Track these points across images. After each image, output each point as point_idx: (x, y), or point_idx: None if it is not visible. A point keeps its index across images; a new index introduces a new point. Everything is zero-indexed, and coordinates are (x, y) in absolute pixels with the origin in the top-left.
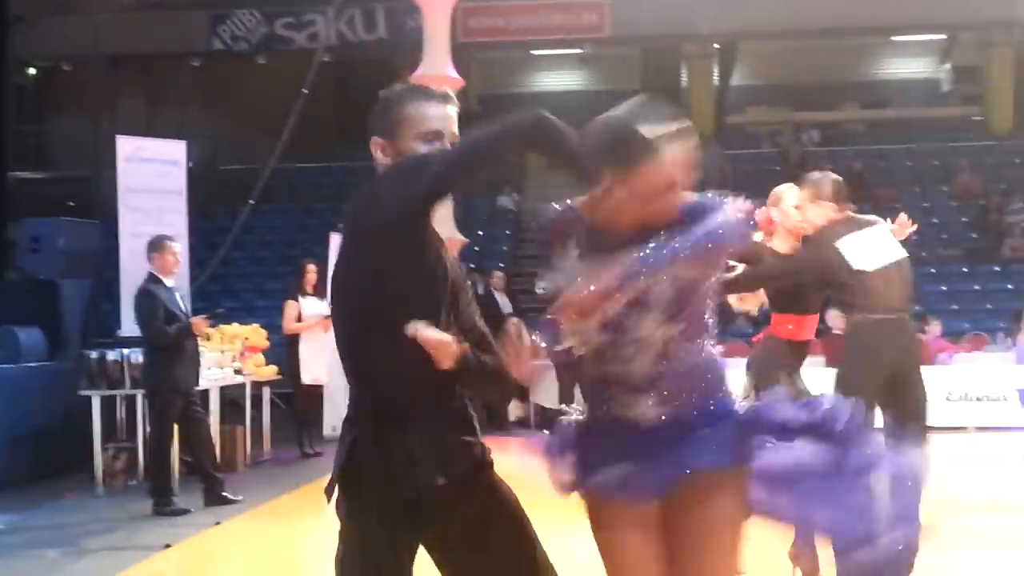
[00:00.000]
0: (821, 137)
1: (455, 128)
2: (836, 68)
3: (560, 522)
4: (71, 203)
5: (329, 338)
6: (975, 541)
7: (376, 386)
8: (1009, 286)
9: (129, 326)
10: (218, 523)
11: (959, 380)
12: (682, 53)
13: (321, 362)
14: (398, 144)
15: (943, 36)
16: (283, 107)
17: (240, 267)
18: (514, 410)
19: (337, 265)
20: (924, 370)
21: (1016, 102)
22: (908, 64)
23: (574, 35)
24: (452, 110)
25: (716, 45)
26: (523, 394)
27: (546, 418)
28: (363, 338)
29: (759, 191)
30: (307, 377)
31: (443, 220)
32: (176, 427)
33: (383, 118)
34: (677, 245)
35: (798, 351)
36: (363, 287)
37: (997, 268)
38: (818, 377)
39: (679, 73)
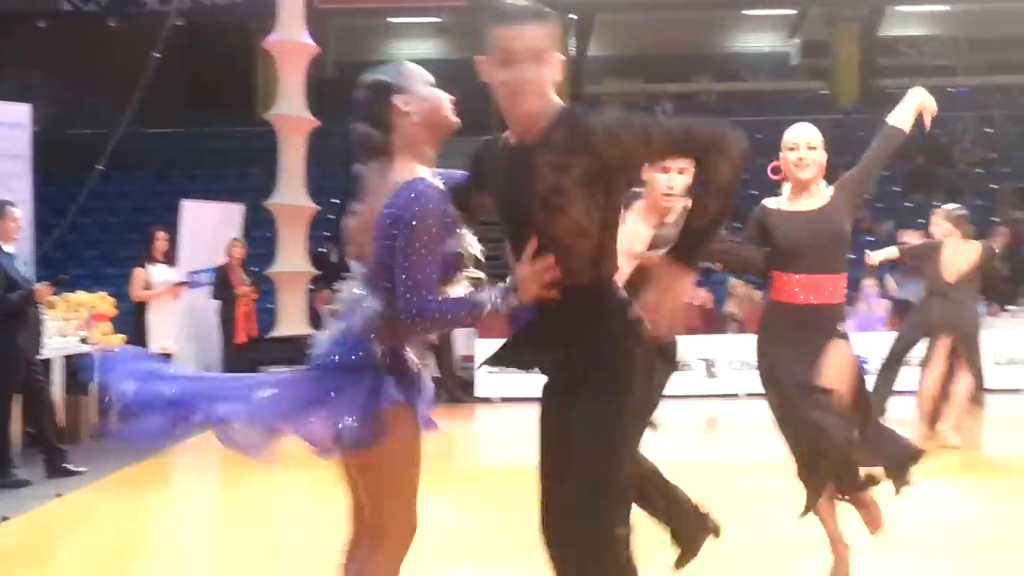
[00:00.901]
0: (674, 109)
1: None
2: (690, 41)
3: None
4: None
5: (178, 306)
6: None
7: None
8: (851, 256)
9: None
10: (59, 495)
11: None
12: None
13: (169, 330)
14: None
15: (793, 11)
16: (134, 71)
17: (89, 234)
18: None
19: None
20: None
21: (862, 76)
22: (759, 38)
23: (432, 2)
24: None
25: (573, 16)
26: None
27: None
28: None
29: None
30: (155, 346)
31: (294, 188)
32: (19, 397)
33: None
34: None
35: None
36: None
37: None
38: None
39: None
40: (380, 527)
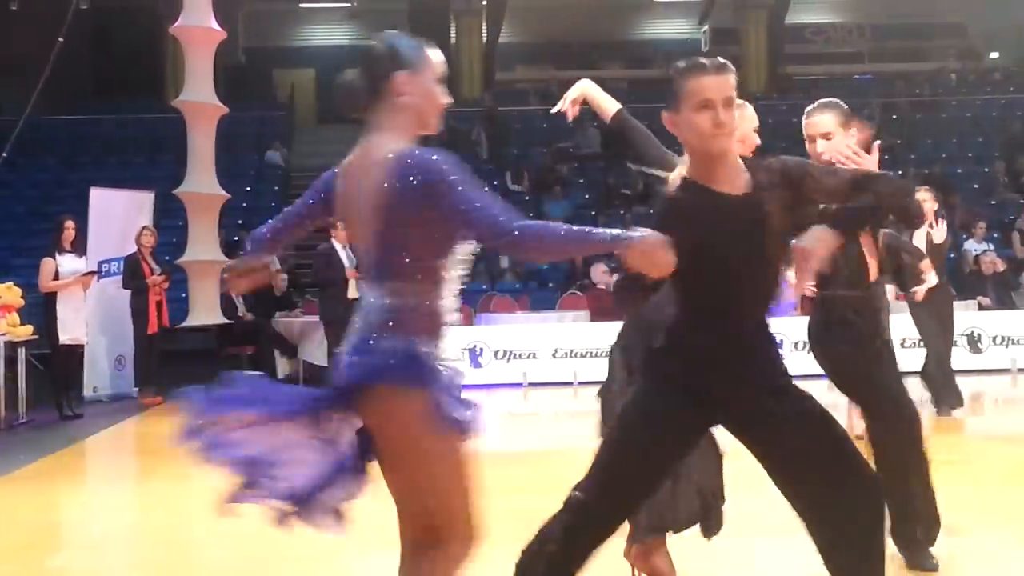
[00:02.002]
0: None
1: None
2: (601, 28)
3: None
4: None
5: (87, 297)
6: None
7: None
8: None
9: None
10: None
11: None
12: (451, 9)
13: (79, 321)
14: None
15: None
16: (38, 56)
17: None
18: (283, 367)
19: None
20: None
21: (770, 63)
22: (669, 25)
23: None
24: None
25: (484, 1)
26: (292, 352)
27: (314, 375)
28: None
29: (527, 146)
30: (65, 337)
31: (205, 176)
32: None
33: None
34: None
35: None
36: None
37: None
38: None
39: (448, 30)
40: (436, 529)
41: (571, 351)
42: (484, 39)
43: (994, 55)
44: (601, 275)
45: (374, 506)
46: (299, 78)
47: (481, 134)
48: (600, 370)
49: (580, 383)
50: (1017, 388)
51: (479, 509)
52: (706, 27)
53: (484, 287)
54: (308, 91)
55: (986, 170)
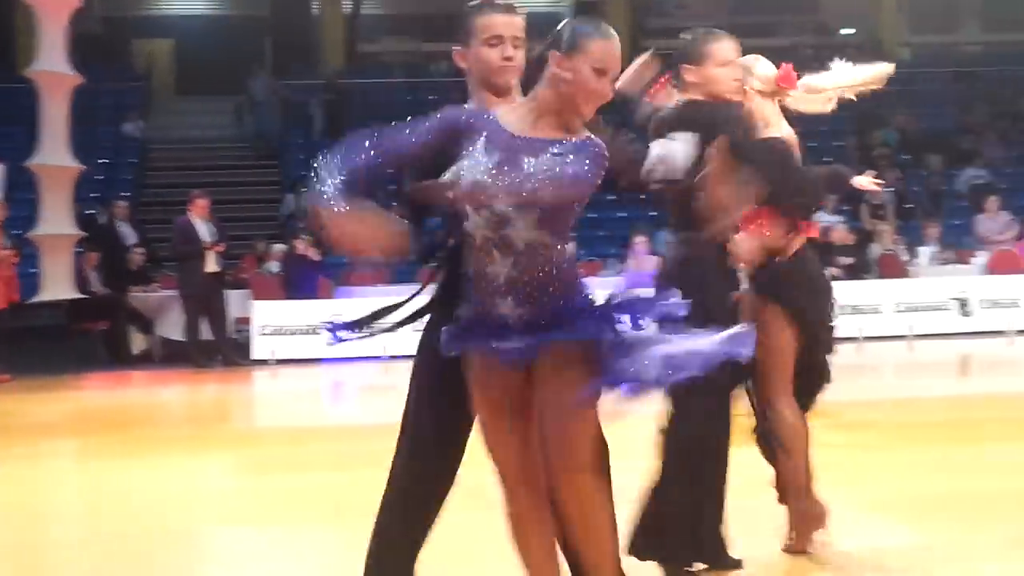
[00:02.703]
0: (449, 68)
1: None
2: (467, 1)
3: None
4: None
5: None
6: None
7: None
8: (622, 214)
9: None
10: None
11: None
12: None
13: None
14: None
15: None
16: None
17: None
18: (138, 343)
19: None
20: None
21: (632, 37)
22: None
23: None
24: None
25: None
26: (147, 327)
27: (171, 351)
28: None
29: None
30: None
31: (57, 148)
32: None
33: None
34: (559, 170)
35: None
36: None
37: (612, 197)
38: None
39: (310, 0)
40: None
41: None
42: (348, 10)
43: (848, 31)
44: None
45: (230, 482)
46: (157, 48)
47: (317, 108)
48: None
49: None
50: (863, 355)
51: None
52: (569, 1)
53: (346, 260)
54: (166, 62)
55: (838, 144)
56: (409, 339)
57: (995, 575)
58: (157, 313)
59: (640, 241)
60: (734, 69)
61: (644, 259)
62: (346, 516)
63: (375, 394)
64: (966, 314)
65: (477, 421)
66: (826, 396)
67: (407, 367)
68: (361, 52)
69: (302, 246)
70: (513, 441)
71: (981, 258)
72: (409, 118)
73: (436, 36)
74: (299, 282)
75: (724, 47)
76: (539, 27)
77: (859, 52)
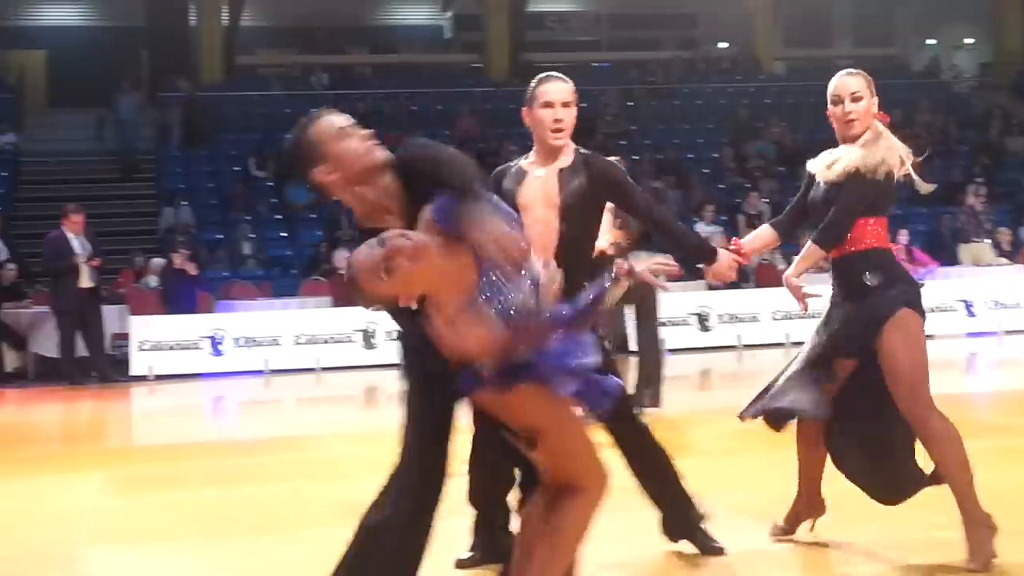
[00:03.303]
0: (330, 80)
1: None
2: (345, 12)
3: None
4: None
5: None
6: None
7: None
8: None
9: None
10: None
11: None
12: None
13: None
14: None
15: None
16: None
17: None
18: (11, 360)
19: None
20: None
21: (512, 51)
22: (413, 11)
23: None
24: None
25: None
26: (21, 344)
27: (45, 368)
28: None
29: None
30: None
31: None
32: None
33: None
34: None
35: None
36: None
37: None
38: None
39: (187, 11)
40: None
41: (314, 337)
42: (225, 22)
43: (723, 44)
44: (343, 261)
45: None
46: (29, 60)
47: (177, 121)
48: (344, 356)
49: (323, 369)
50: (742, 363)
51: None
52: (450, 13)
53: (226, 274)
54: (39, 73)
55: (715, 155)
56: (290, 353)
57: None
58: (30, 330)
59: None
60: (556, 110)
61: None
62: (227, 532)
63: (256, 409)
64: None
65: (550, 421)
66: (710, 404)
67: (288, 381)
68: (239, 64)
69: (179, 260)
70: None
71: None
72: (286, 131)
73: (315, 48)
74: (178, 296)
75: (548, 89)
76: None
77: (735, 66)
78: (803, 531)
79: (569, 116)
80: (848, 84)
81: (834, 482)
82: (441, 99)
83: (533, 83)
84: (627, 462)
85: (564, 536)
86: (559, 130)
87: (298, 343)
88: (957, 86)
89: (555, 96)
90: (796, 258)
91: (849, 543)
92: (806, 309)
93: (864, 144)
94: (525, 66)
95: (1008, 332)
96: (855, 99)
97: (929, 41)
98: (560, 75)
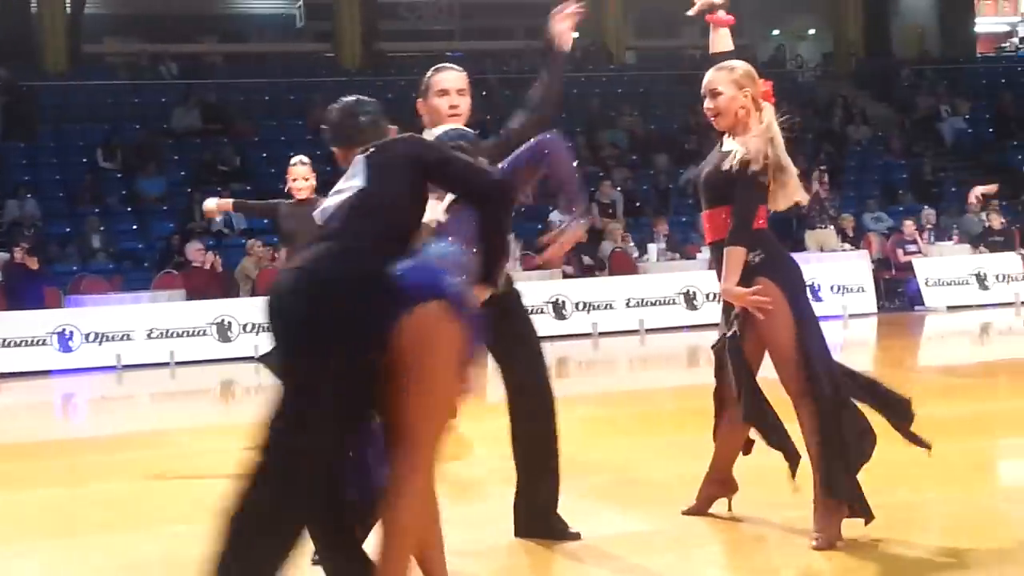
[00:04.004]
0: (180, 70)
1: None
2: (194, 1)
3: None
4: None
5: None
6: None
7: None
8: None
9: None
10: None
11: None
12: None
13: None
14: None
15: None
16: None
17: None
18: None
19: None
20: None
21: (365, 40)
22: (264, 0)
23: None
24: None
25: None
26: None
27: None
28: None
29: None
30: None
31: None
32: None
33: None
34: None
35: None
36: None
37: None
38: None
39: None
40: None
41: (167, 331)
42: (69, 9)
43: (574, 34)
44: (196, 253)
45: None
46: None
47: None
48: (198, 349)
49: (177, 363)
50: (598, 351)
51: None
52: (301, 2)
53: (75, 268)
54: None
55: (568, 145)
56: (143, 348)
57: (711, 557)
58: None
59: None
60: (451, 96)
61: None
62: (77, 532)
63: (108, 405)
64: (693, 307)
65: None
66: (567, 391)
67: (142, 376)
68: (85, 53)
69: (20, 254)
70: None
71: (706, 253)
72: (137, 118)
73: (163, 37)
74: (20, 292)
75: (443, 78)
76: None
77: (587, 56)
78: (719, 508)
79: (464, 103)
80: (709, 80)
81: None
82: (293, 89)
83: (428, 74)
84: (514, 433)
85: (398, 524)
86: (456, 115)
87: (151, 337)
88: (801, 76)
89: (450, 84)
90: (724, 271)
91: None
92: (764, 315)
93: (739, 138)
94: (378, 56)
95: (853, 316)
96: (714, 95)
97: (774, 32)
98: (453, 65)
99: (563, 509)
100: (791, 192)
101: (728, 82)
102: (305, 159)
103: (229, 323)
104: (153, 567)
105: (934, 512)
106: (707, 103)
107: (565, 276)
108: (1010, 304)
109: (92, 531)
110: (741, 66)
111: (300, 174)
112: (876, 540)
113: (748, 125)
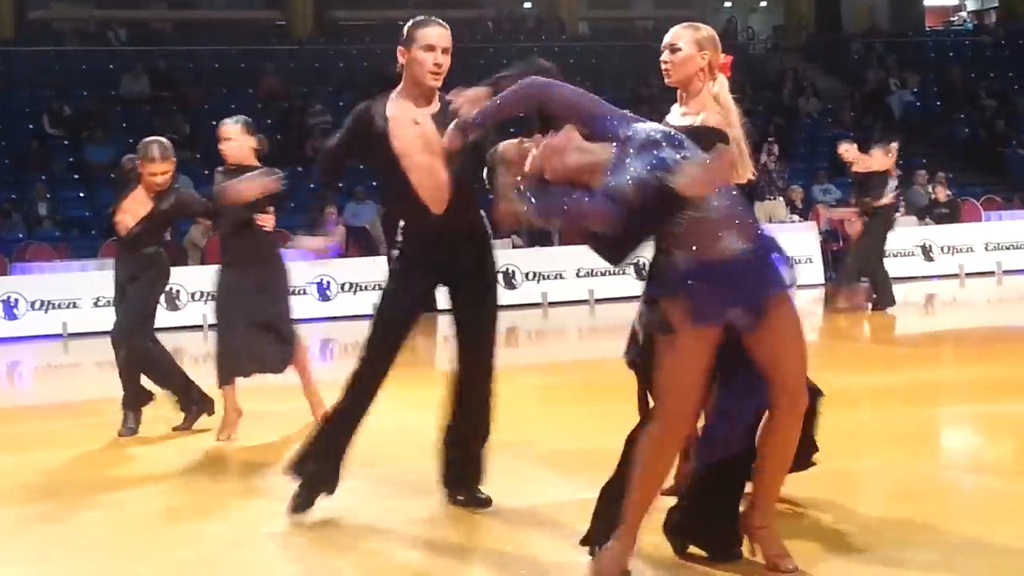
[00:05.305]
0: (128, 36)
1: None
2: None
3: None
4: None
5: None
6: None
7: None
8: (311, 185)
9: None
10: None
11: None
12: None
13: None
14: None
15: None
16: None
17: None
18: None
19: None
20: None
21: (316, 8)
22: None
23: None
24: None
25: None
26: None
27: None
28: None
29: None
30: None
31: None
32: None
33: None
34: None
35: None
36: None
37: (300, 168)
38: None
39: None
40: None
41: (113, 298)
42: None
43: (527, 5)
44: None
45: None
46: None
47: None
48: None
49: None
50: (548, 320)
51: None
52: None
53: (20, 236)
54: None
55: (521, 116)
56: (89, 316)
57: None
58: None
59: (330, 211)
60: (437, 54)
61: (333, 230)
62: (21, 499)
63: (53, 373)
64: (643, 278)
65: (666, 346)
66: (516, 360)
67: (88, 344)
68: (32, 19)
69: None
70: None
71: None
72: (85, 85)
73: (111, 3)
74: None
75: (431, 32)
76: None
77: (539, 27)
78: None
79: (447, 62)
80: (672, 35)
81: None
82: (244, 57)
83: (412, 23)
84: (451, 402)
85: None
86: (438, 74)
87: (97, 306)
88: (752, 48)
89: (437, 41)
90: None
91: None
92: None
93: (703, 113)
94: (330, 23)
95: (800, 287)
96: (673, 50)
97: (726, 4)
98: (440, 21)
99: (512, 475)
100: (743, 171)
101: (690, 40)
102: (237, 119)
103: (177, 291)
104: (95, 534)
105: (877, 479)
106: (664, 55)
107: (515, 246)
108: (955, 276)
109: (35, 499)
110: (707, 29)
111: (225, 134)
112: (818, 507)
113: (700, 91)
